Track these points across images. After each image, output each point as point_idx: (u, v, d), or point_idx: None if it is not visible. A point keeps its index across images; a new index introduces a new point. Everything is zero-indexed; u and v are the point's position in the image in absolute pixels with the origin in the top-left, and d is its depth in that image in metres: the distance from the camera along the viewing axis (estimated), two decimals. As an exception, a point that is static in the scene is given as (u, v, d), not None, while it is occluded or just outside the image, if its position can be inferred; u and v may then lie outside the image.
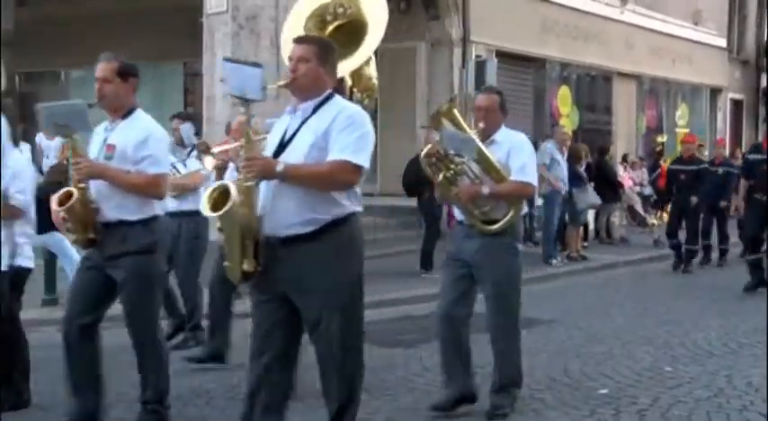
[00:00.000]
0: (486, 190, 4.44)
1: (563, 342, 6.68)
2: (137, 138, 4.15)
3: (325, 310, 3.44)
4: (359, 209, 3.55)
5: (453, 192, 4.49)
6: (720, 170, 11.19)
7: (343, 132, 3.40)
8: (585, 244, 12.29)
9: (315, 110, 3.49)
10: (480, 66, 12.77)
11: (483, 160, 4.46)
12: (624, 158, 15.97)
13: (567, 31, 15.58)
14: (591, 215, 12.91)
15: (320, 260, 3.40)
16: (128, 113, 4.23)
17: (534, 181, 4.58)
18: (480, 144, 4.47)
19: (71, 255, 7.92)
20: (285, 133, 3.52)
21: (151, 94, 16.63)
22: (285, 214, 3.39)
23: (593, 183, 12.08)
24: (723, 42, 20.95)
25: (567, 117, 16.04)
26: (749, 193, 9.29)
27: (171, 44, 14.19)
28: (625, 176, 14.86)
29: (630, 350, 6.30)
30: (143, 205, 4.18)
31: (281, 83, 3.57)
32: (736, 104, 22.44)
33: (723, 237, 11.52)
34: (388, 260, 10.86)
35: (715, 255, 11.52)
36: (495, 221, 4.51)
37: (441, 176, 4.49)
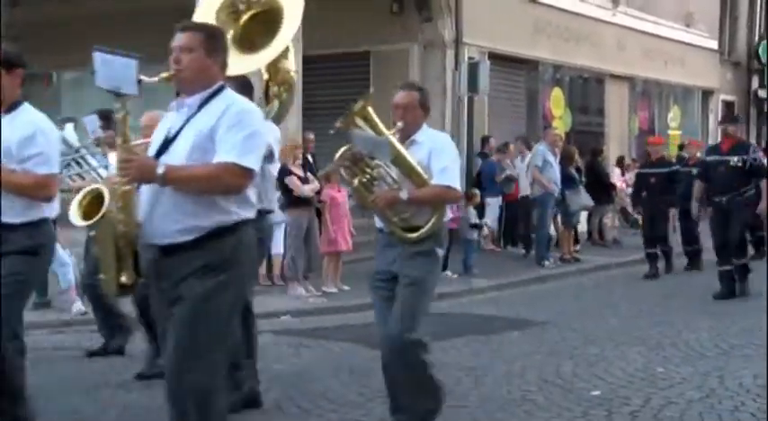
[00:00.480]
0: (404, 195, 4.07)
1: (556, 343, 6.70)
2: (22, 134, 3.73)
3: (189, 322, 3.10)
4: (249, 215, 3.22)
5: (370, 199, 4.13)
6: (695, 170, 10.35)
7: (230, 131, 3.09)
8: (578, 247, 12.30)
9: (201, 106, 3.19)
10: (473, 67, 12.79)
11: (401, 163, 4.11)
12: (620, 161, 16.02)
13: (559, 33, 15.62)
14: (583, 217, 12.96)
15: (198, 270, 3.09)
16: (12, 108, 3.83)
17: (457, 184, 4.18)
18: (399, 146, 4.13)
19: (61, 257, 7.92)
20: (169, 132, 3.22)
21: (146, 95, 16.64)
22: (165, 221, 3.11)
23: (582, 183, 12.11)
24: (715, 44, 21.03)
25: (560, 119, 16.07)
26: (709, 198, 8.96)
27: (165, 45, 14.15)
28: (618, 178, 14.92)
29: (623, 351, 6.33)
30: (28, 208, 3.78)
31: (164, 75, 3.25)
32: (728, 106, 22.52)
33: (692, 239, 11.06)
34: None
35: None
36: (417, 228, 4.13)
37: (356, 181, 4.13)
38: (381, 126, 4.14)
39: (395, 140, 4.12)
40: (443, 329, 7.41)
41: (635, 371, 5.70)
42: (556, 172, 11.14)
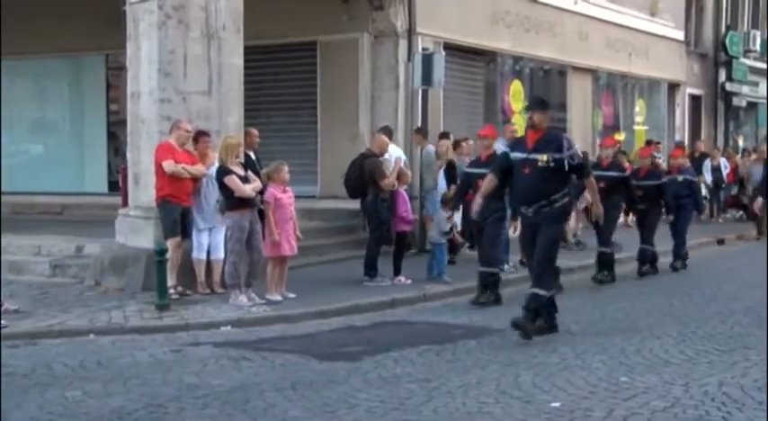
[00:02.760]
0: None
1: (515, 352, 6.76)
2: None
3: None
4: None
5: None
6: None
7: None
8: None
9: None
10: (427, 59, 12.82)
11: None
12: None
13: (519, 22, 15.76)
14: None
15: None
16: None
17: None
18: None
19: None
20: None
21: (70, 90, 16.37)
22: None
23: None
24: (681, 35, 21.43)
25: (520, 113, 16.22)
26: (515, 207, 7.88)
27: (92, 34, 13.95)
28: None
29: (585, 360, 6.42)
30: None
31: None
32: (695, 100, 22.96)
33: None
34: (330, 267, 10.88)
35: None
36: None
37: None
38: None
39: None
40: (395, 338, 7.44)
41: (597, 381, 5.78)
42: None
